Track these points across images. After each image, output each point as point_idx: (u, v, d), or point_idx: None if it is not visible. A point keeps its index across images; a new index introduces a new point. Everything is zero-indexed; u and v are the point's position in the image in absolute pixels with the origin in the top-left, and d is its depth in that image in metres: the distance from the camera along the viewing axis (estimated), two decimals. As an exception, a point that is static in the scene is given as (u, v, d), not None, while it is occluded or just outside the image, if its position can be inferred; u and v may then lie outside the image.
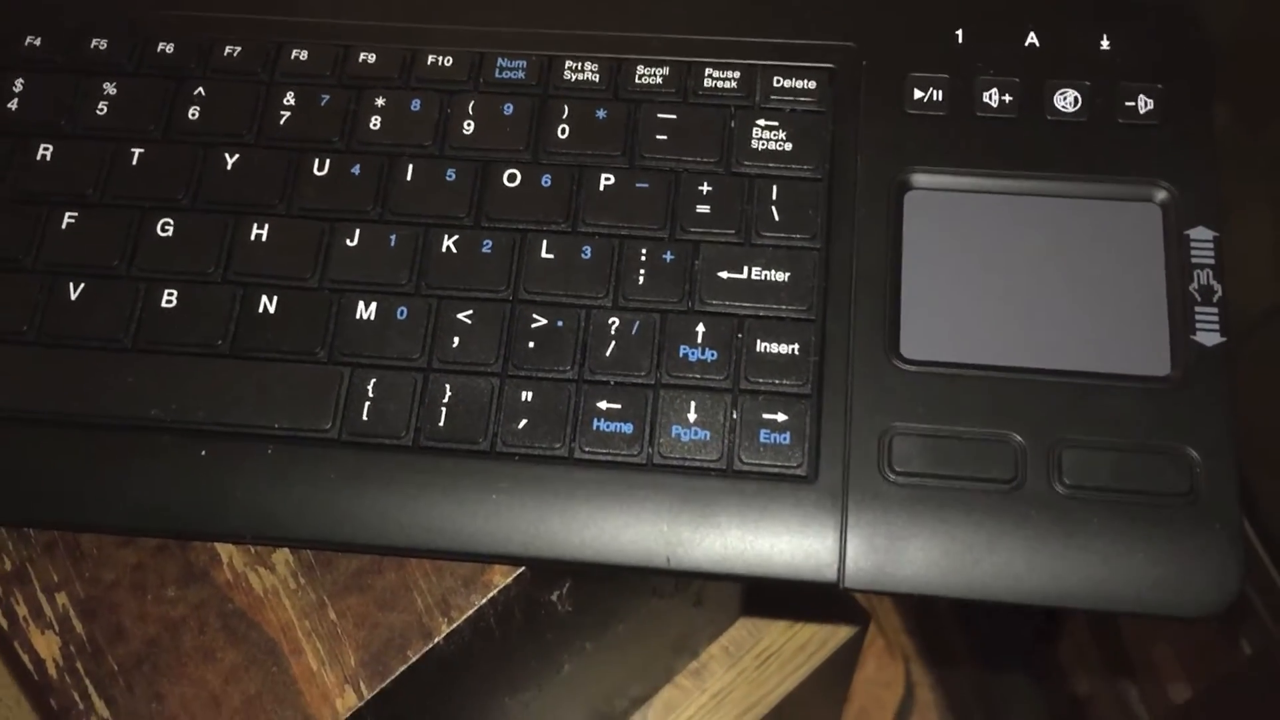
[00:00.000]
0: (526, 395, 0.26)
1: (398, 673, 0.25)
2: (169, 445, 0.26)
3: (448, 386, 0.26)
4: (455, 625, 0.26)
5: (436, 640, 0.26)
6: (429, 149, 0.28)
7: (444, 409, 0.26)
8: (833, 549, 0.25)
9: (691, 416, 0.25)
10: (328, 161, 0.28)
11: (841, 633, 0.45)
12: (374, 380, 0.26)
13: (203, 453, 0.26)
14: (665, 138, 0.28)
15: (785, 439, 0.25)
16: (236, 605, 0.26)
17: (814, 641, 0.44)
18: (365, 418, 0.26)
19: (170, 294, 0.27)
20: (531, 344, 0.26)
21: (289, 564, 0.27)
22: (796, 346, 0.26)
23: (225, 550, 0.27)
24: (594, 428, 0.25)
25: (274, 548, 0.27)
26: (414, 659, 0.26)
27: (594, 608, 0.31)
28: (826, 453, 0.25)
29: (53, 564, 0.27)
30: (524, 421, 0.26)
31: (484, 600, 0.26)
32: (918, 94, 0.28)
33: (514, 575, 0.26)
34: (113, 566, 0.27)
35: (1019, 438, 0.25)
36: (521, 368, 0.26)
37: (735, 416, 0.25)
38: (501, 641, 0.28)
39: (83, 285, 0.27)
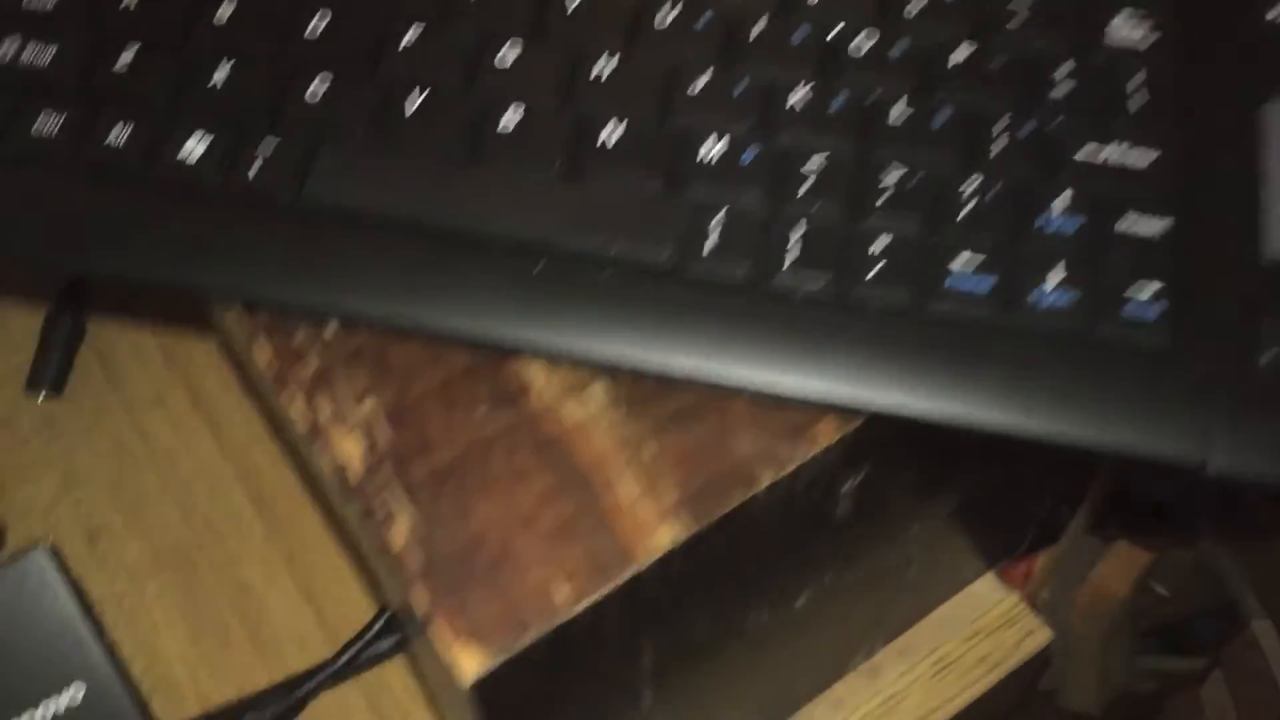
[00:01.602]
0: (876, 247, 0.25)
1: (718, 516, 0.24)
2: (502, 259, 0.25)
3: (793, 232, 0.25)
4: (781, 476, 0.25)
5: (758, 490, 0.24)
6: (776, 7, 0.28)
7: (788, 254, 0.25)
8: (1199, 432, 0.24)
9: (1052, 283, 0.25)
10: (678, 7, 0.28)
11: (1026, 647, 0.43)
12: (717, 217, 0.26)
13: (536, 270, 0.25)
14: (1028, 15, 0.27)
15: (1151, 314, 0.24)
16: (548, 432, 0.25)
17: (996, 654, 0.43)
18: (706, 253, 0.25)
19: (511, 114, 0.27)
20: (883, 200, 0.26)
21: (605, 397, 0.26)
22: (1162, 227, 0.25)
23: (538, 378, 0.26)
24: (947, 285, 0.25)
25: (591, 379, 0.26)
26: (735, 505, 0.24)
27: (862, 524, 0.30)
28: (1193, 335, 0.24)
29: (357, 373, 0.26)
30: (876, 270, 0.25)
31: (812, 454, 0.25)
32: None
33: (842, 433, 0.25)
34: (420, 381, 0.26)
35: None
36: (873, 221, 0.25)
37: (1098, 288, 0.25)
38: (786, 518, 0.27)
39: (423, 97, 0.27)
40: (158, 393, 0.48)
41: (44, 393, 0.47)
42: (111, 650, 0.36)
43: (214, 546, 0.45)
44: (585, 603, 0.23)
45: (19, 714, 0.35)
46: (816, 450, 0.25)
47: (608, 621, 0.24)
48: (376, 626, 0.39)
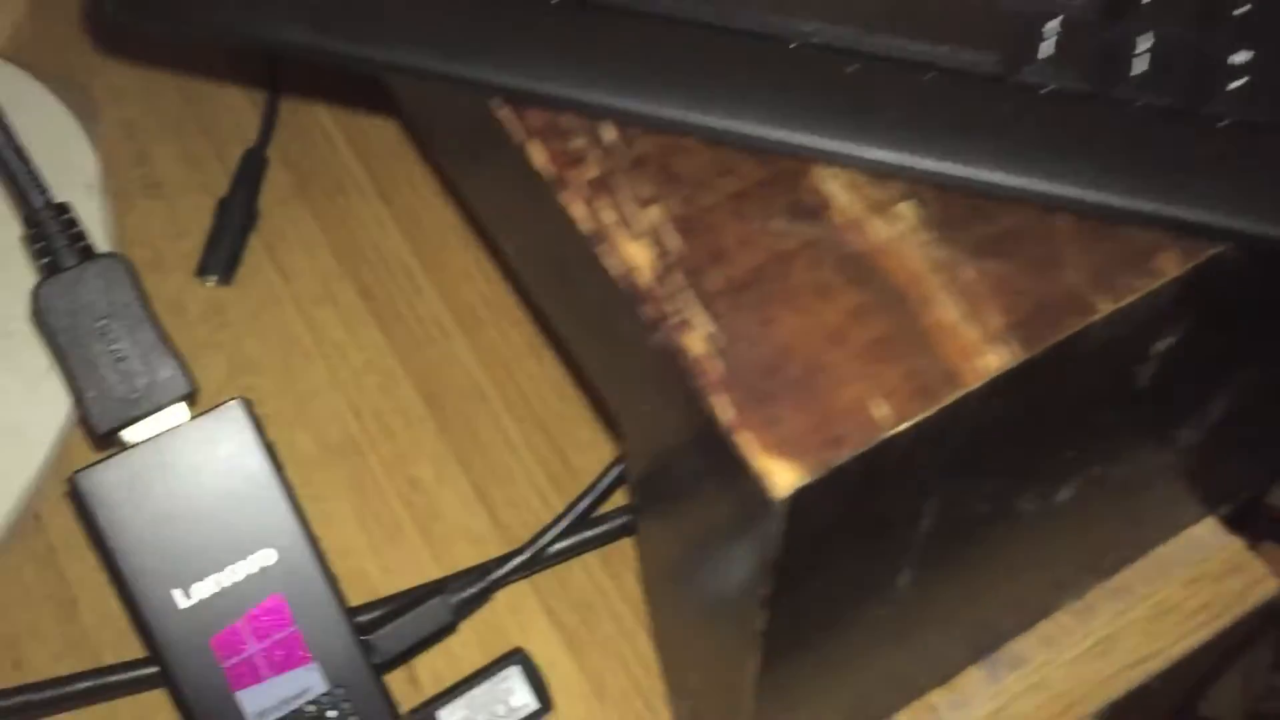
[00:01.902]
0: (1237, 59, 0.23)
1: (1051, 343, 0.22)
2: (811, 59, 0.23)
3: (1141, 38, 0.23)
4: (1119, 306, 0.22)
5: (1095, 318, 0.22)
6: None
7: (1134, 60, 0.23)
8: None
9: None
10: None
11: (1252, 596, 0.39)
12: (1052, 23, 0.23)
13: (849, 69, 0.23)
14: None
15: None
16: (854, 248, 0.23)
17: (1220, 601, 0.39)
18: (1040, 58, 0.23)
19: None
20: (1240, 11, 0.23)
21: (915, 217, 0.23)
22: None
23: (839, 194, 0.23)
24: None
25: (898, 197, 0.23)
26: (1069, 333, 0.22)
27: (1148, 406, 0.27)
28: None
29: (641, 180, 0.24)
30: (1237, 85, 0.22)
31: (1154, 286, 0.22)
32: None
33: (1186, 267, 0.22)
34: (710, 191, 0.24)
35: None
36: (1225, 36, 0.23)
37: None
38: (1099, 369, 0.24)
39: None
40: (327, 287, 0.46)
41: (213, 280, 0.46)
42: (303, 516, 0.34)
43: (384, 442, 0.43)
44: (908, 422, 0.21)
45: (209, 574, 0.33)
46: (1159, 282, 0.22)
47: (920, 453, 0.22)
48: (577, 510, 0.37)
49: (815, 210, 0.23)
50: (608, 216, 0.23)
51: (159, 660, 0.33)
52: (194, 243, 0.47)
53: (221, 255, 0.47)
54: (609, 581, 0.41)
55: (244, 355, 0.45)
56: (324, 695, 0.33)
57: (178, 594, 0.33)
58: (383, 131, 0.50)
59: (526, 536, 0.40)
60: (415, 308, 0.46)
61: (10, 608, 0.40)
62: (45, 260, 0.33)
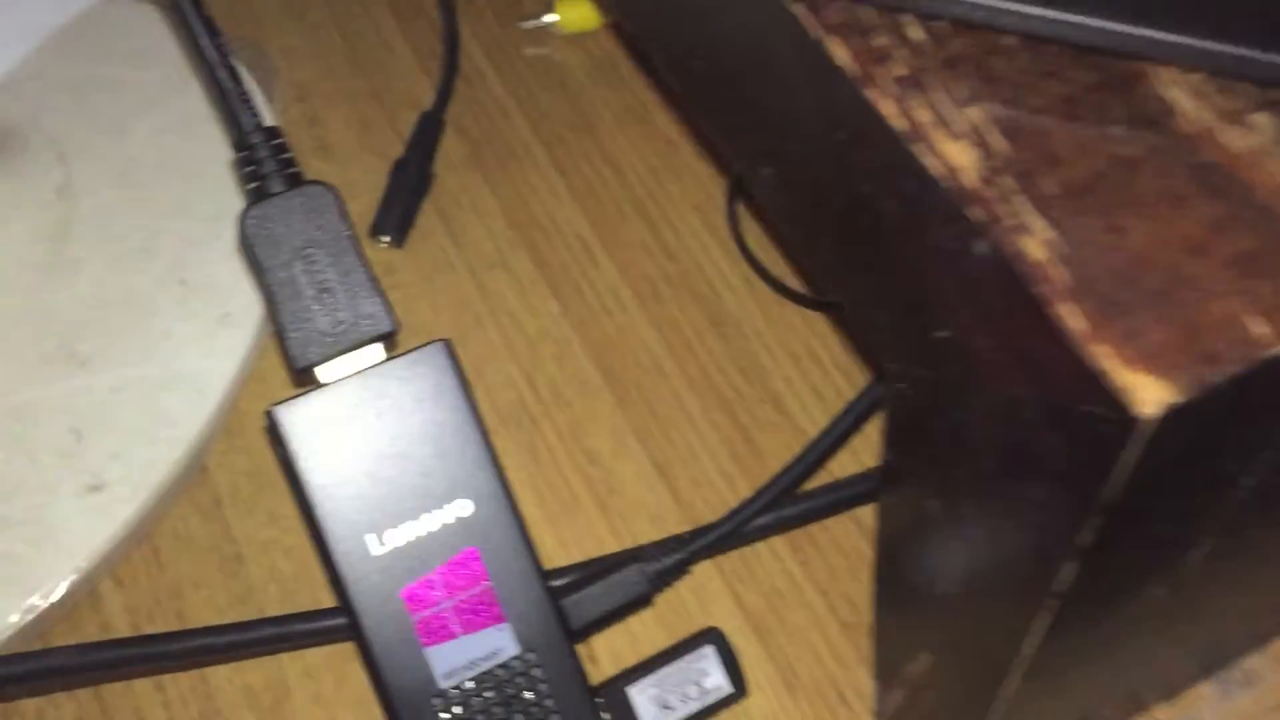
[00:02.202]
0: None
1: None
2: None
3: None
4: None
5: None
6: None
7: None
8: None
9: None
10: None
11: None
12: None
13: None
14: None
15: None
16: (1208, 158, 0.20)
17: None
18: None
19: None
20: None
21: (1273, 129, 0.21)
22: None
23: (1181, 101, 0.21)
24: None
25: (1251, 107, 0.21)
26: None
27: None
28: None
29: (956, 80, 0.22)
30: None
31: None
32: None
33: None
34: (1034, 95, 0.21)
35: None
36: None
37: None
38: None
39: None
40: (500, 254, 0.45)
41: (386, 241, 0.45)
42: (501, 469, 0.32)
43: (559, 412, 0.41)
44: (1292, 342, 0.18)
45: (404, 521, 0.31)
46: None
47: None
48: (782, 484, 0.35)
49: (1157, 117, 0.21)
50: (922, 115, 0.21)
51: (348, 609, 0.31)
52: (366, 204, 0.45)
53: (395, 217, 0.45)
54: (798, 568, 0.38)
55: (416, 318, 0.43)
56: (515, 659, 0.31)
57: (371, 540, 0.31)
58: (557, 104, 0.48)
59: (710, 516, 0.38)
60: (592, 280, 0.44)
61: (176, 558, 0.38)
62: (253, 185, 0.32)
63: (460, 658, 0.31)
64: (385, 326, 0.32)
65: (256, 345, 0.41)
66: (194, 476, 0.40)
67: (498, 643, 0.31)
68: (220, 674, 0.37)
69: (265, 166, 0.32)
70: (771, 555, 0.38)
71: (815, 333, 0.43)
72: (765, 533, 0.36)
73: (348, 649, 0.37)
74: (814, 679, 0.36)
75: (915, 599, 0.30)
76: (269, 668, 0.37)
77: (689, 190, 0.46)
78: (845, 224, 0.25)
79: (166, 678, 0.36)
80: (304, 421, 0.31)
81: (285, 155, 0.32)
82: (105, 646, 0.33)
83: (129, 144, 0.45)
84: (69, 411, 0.39)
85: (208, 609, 0.38)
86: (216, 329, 0.41)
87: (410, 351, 0.32)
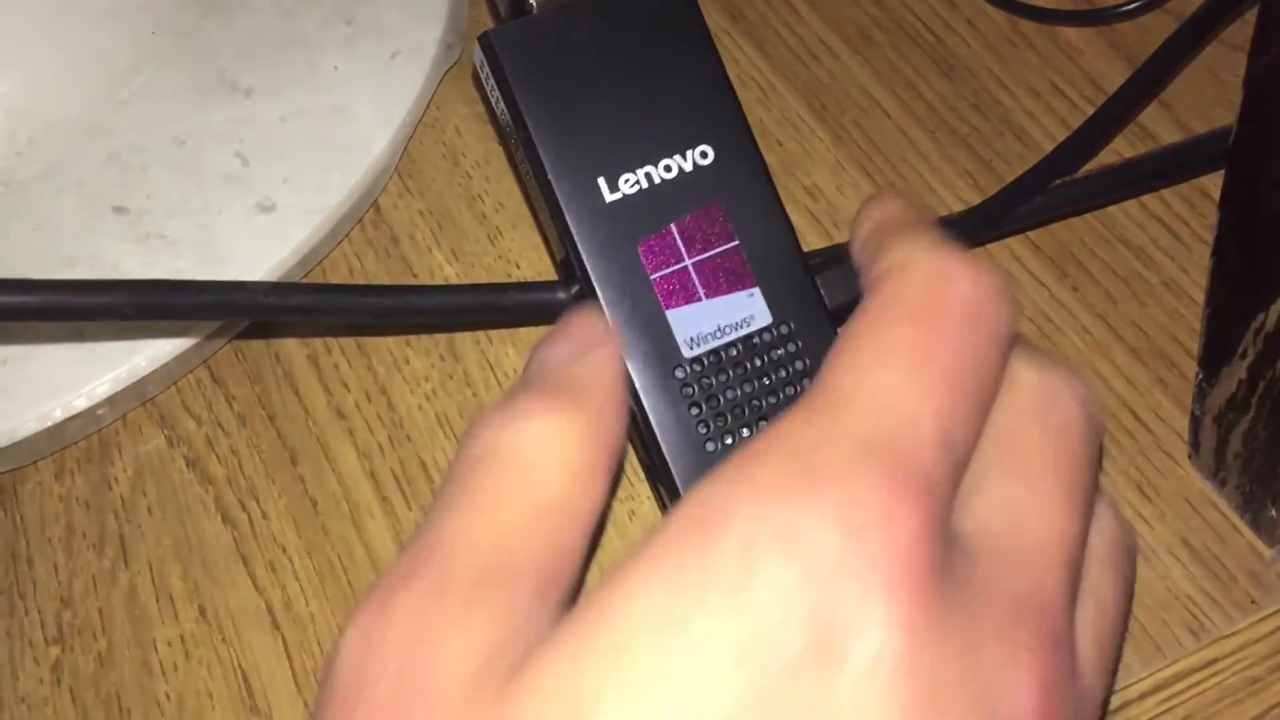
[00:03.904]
0: None
1: None
2: None
3: None
4: None
5: None
6: None
7: None
8: None
9: None
10: None
11: None
12: None
13: None
14: None
15: None
16: None
17: None
18: None
19: None
20: None
21: None
22: None
23: None
24: None
25: None
26: None
27: None
28: None
29: None
30: None
31: None
32: None
33: None
34: None
35: None
36: None
37: None
38: None
39: None
40: (689, 8, 0.40)
41: None
42: (743, 113, 0.27)
43: (769, 152, 0.36)
44: None
45: (639, 165, 0.26)
46: None
47: None
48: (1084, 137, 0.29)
49: None
50: None
51: (578, 264, 0.26)
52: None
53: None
54: (1068, 294, 0.33)
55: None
56: (767, 329, 0.26)
57: (603, 184, 0.26)
58: None
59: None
60: (795, 28, 0.40)
61: (349, 295, 0.34)
62: None
63: (706, 322, 0.26)
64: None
65: (430, 86, 0.37)
66: (367, 214, 0.36)
67: (748, 309, 0.26)
68: (409, 402, 0.32)
69: None
70: (1034, 283, 0.33)
71: (1054, 66, 0.38)
72: (1049, 218, 0.31)
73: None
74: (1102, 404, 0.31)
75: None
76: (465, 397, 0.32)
77: (896, -60, 0.41)
78: None
79: (349, 404, 0.32)
80: (521, 46, 0.27)
81: None
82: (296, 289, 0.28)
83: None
84: (234, 139, 0.35)
85: (384, 342, 0.33)
86: (387, 65, 0.37)
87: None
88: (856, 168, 0.36)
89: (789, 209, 0.35)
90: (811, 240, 0.34)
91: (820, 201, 0.35)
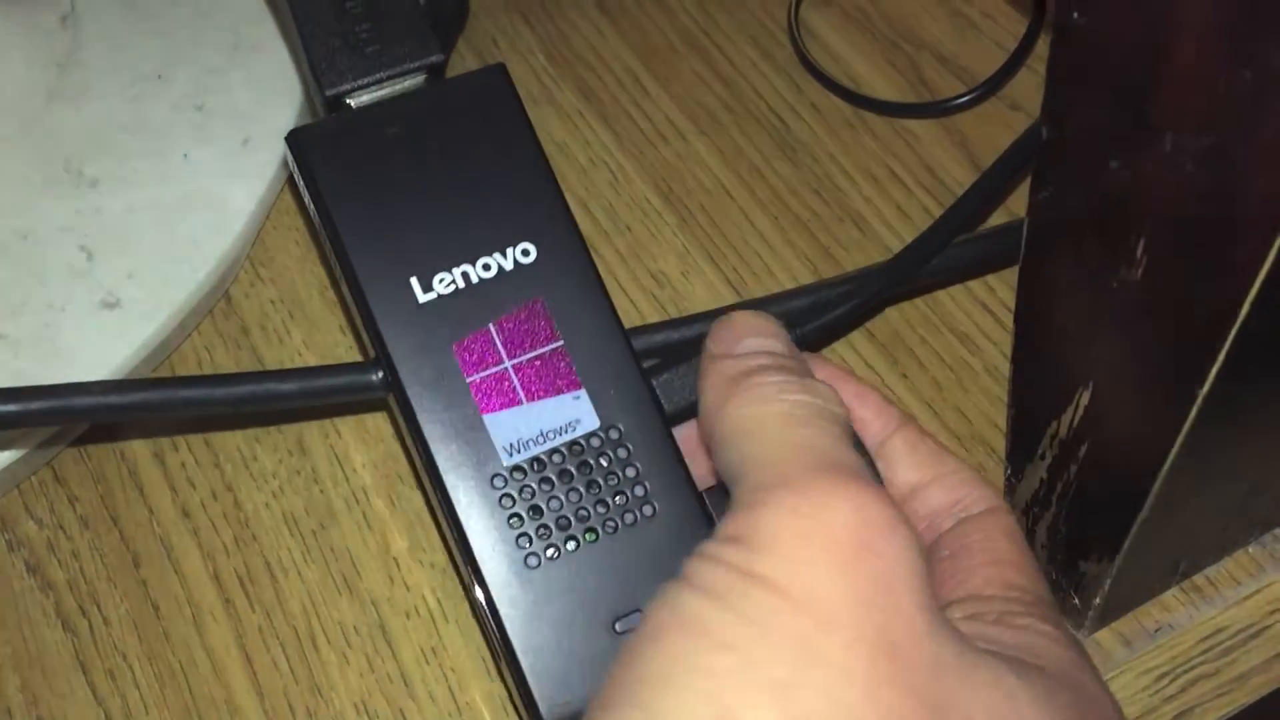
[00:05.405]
0: None
1: None
2: None
3: None
4: None
5: None
6: None
7: None
8: None
9: None
10: None
11: None
12: None
13: None
14: None
15: None
16: None
17: None
18: None
19: None
20: None
21: None
22: None
23: None
24: None
25: None
26: None
27: None
28: None
29: None
30: None
31: None
32: None
33: None
34: None
35: None
36: None
37: None
38: None
39: None
40: (544, 89, 0.41)
41: (419, 78, 0.41)
42: (569, 212, 0.28)
43: (618, 236, 0.37)
44: None
45: (455, 264, 0.27)
46: None
47: None
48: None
49: None
50: None
51: (388, 367, 0.26)
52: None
53: (428, 55, 0.42)
54: (899, 382, 0.34)
55: (455, 151, 0.40)
56: (594, 433, 0.27)
57: (416, 284, 0.26)
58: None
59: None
60: (645, 110, 0.41)
61: (197, 388, 0.34)
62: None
63: (527, 427, 0.26)
64: (433, 54, 0.28)
65: (283, 171, 0.37)
66: (218, 305, 0.36)
67: (573, 413, 0.27)
68: (256, 500, 0.32)
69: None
70: (868, 371, 0.34)
71: (893, 153, 0.39)
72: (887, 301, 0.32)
73: (401, 467, 0.33)
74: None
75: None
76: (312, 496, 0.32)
77: (743, 22, 0.43)
78: None
79: (195, 502, 0.32)
80: (330, 145, 0.27)
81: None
82: (127, 387, 0.28)
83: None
84: (78, 232, 0.35)
85: (232, 438, 0.33)
86: (239, 152, 0.37)
87: (463, 75, 0.28)
88: (701, 253, 0.37)
89: (635, 295, 0.36)
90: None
91: (666, 289, 0.36)
